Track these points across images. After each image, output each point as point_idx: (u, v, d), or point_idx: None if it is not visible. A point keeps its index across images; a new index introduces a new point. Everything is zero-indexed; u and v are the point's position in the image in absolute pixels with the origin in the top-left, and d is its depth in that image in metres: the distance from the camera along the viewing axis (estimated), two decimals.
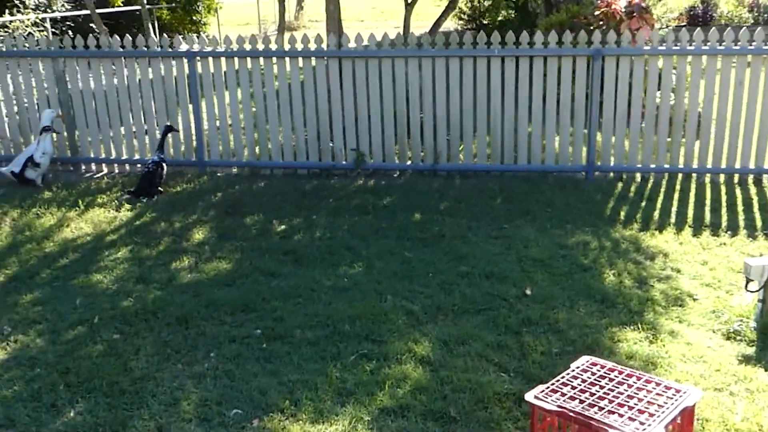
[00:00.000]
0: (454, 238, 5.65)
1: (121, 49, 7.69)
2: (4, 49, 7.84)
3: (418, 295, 4.66)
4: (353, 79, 7.45)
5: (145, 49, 7.65)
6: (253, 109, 7.74)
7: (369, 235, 5.76)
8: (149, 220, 6.24)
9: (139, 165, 7.97)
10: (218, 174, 7.82)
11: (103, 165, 8.12)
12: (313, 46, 7.47)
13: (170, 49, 7.63)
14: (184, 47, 7.62)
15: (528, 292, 4.68)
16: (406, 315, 4.40)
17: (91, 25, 14.61)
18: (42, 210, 6.52)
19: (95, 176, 7.91)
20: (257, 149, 7.85)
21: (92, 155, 8.06)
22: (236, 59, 7.60)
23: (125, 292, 4.80)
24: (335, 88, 7.51)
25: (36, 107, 7.95)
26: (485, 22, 16.19)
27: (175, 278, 5.02)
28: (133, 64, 7.71)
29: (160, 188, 7.04)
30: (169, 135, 7.54)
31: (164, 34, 9.23)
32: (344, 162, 7.71)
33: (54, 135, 7.61)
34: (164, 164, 7.19)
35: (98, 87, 7.84)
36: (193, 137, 7.83)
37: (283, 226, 6.03)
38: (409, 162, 7.66)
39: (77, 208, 6.55)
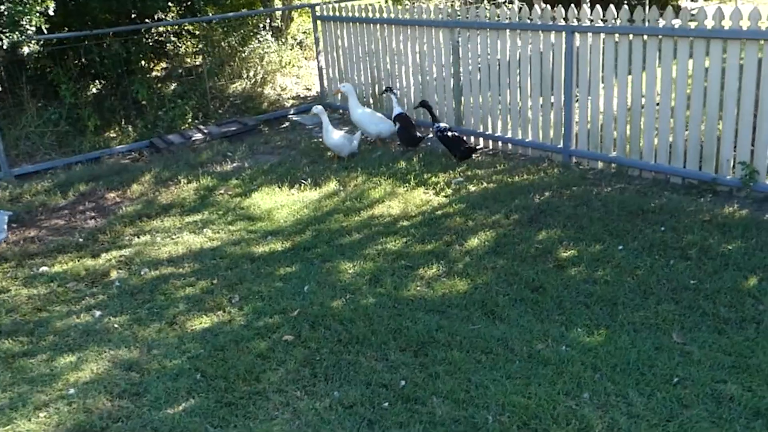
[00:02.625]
0: None
1: (507, 21, 7.24)
2: (408, 18, 8.23)
3: (623, 406, 3.29)
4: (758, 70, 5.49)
5: (528, 21, 7.04)
6: (629, 98, 6.44)
7: (655, 293, 4.28)
8: (451, 212, 5.87)
9: (510, 144, 7.59)
10: (580, 166, 6.85)
11: (480, 139, 7.95)
12: (728, 24, 5.67)
13: (551, 23, 6.84)
14: (562, 22, 6.74)
15: None
16: (575, 431, 3.15)
17: None
18: (381, 180, 6.77)
19: None
20: (627, 146, 6.56)
21: (471, 127, 7.96)
22: (617, 36, 6.38)
23: (349, 290, 4.67)
24: (731, 79, 5.66)
25: (433, 75, 8.19)
26: None
27: (401, 288, 4.64)
28: (515, 37, 7.22)
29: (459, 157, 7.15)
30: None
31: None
32: (729, 177, 5.85)
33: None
34: (441, 133, 7.26)
35: (483, 59, 7.61)
36: (562, 121, 6.99)
37: (570, 252, 4.95)
38: None
39: (407, 185, 6.60)
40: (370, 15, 8.80)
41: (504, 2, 12.10)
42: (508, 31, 7.24)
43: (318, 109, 7.59)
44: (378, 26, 8.73)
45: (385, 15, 8.58)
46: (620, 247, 4.94)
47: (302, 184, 6.85)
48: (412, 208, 6.07)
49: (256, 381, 3.75)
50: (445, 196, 6.28)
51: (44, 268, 5.42)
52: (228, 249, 5.51)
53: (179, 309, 4.61)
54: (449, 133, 7.22)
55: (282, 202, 6.44)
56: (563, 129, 6.99)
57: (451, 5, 9.75)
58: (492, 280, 4.64)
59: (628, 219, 5.37)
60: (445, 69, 8.04)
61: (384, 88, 8.46)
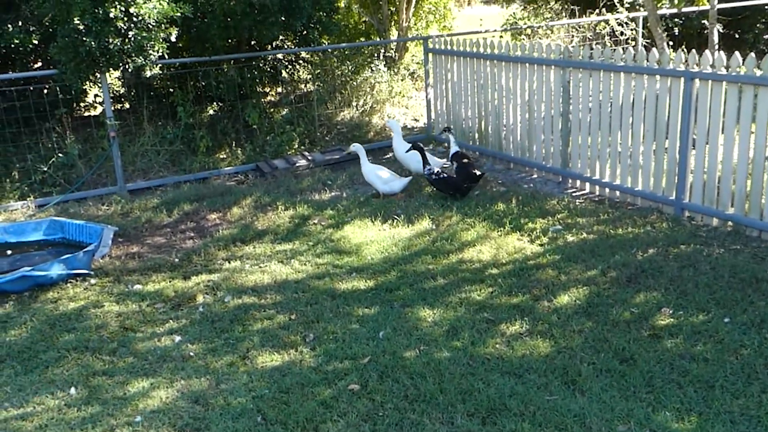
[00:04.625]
0: None
1: (621, 64, 6.88)
2: (519, 55, 8.02)
3: None
4: None
5: (644, 65, 6.66)
6: (751, 151, 5.92)
7: (761, 379, 3.84)
8: (544, 263, 5.58)
9: (617, 192, 7.18)
10: (692, 221, 6.36)
11: (587, 184, 7.58)
12: None
13: (669, 67, 6.43)
14: (681, 66, 6.31)
15: None
16: None
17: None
18: (475, 221, 6.57)
19: (575, 194, 7.47)
20: (747, 203, 6.02)
21: (577, 171, 7.61)
22: (740, 85, 5.89)
23: (424, 340, 4.51)
24: None
25: (541, 114, 7.92)
26: None
27: (479, 343, 4.43)
28: (629, 80, 6.84)
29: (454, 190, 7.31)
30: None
31: None
32: None
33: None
34: (435, 176, 7.31)
35: (594, 100, 7.27)
36: (675, 171, 6.52)
37: (669, 320, 4.55)
38: None
39: (502, 229, 6.36)
40: (481, 50, 8.65)
41: (626, 39, 11.61)
42: (622, 73, 6.88)
43: (356, 146, 7.76)
44: (488, 61, 8.57)
45: (495, 51, 8.40)
46: (726, 320, 4.49)
47: (395, 220, 6.77)
48: (504, 254, 5.83)
49: (310, 430, 3.66)
50: (540, 245, 5.99)
51: (138, 286, 5.62)
52: (312, 283, 5.49)
53: (254, 342, 4.61)
54: (443, 176, 7.33)
55: (372, 238, 6.37)
56: (677, 179, 6.53)
57: (565, 43, 9.52)
58: (578, 345, 4.33)
59: (740, 287, 4.89)
60: (554, 108, 7.75)
61: (443, 128, 8.53)
